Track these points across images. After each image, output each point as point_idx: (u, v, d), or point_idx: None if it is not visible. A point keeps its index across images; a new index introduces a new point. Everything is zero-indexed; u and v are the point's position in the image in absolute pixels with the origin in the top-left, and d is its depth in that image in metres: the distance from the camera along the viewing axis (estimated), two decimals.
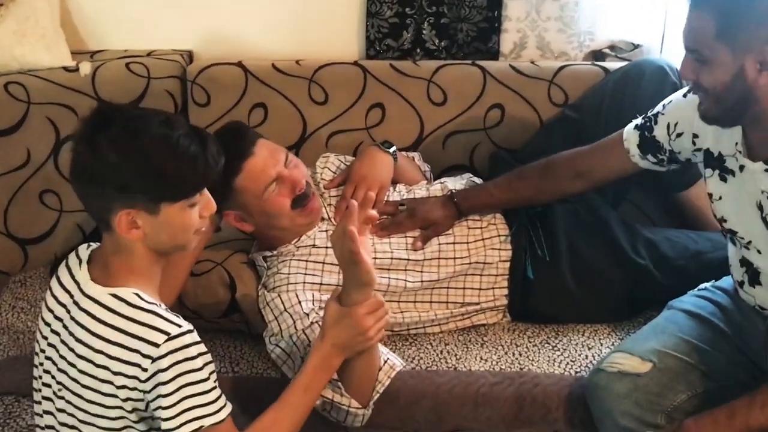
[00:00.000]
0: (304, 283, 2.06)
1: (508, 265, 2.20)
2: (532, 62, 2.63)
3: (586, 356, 2.11)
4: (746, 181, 1.80)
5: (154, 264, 1.63)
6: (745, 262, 1.88)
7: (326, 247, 2.12)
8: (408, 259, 2.15)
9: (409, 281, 2.13)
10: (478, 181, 2.38)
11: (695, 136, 1.92)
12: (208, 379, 1.56)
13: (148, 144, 1.51)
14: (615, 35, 2.72)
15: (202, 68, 2.62)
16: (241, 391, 1.92)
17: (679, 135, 1.95)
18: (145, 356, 1.52)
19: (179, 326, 1.54)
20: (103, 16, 2.77)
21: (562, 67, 2.60)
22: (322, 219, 2.22)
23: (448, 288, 2.17)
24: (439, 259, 2.16)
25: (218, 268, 2.18)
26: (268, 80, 2.61)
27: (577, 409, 1.96)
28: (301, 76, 2.61)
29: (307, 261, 2.11)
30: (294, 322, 1.96)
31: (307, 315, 1.96)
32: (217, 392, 1.58)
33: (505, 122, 2.57)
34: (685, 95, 1.96)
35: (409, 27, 2.68)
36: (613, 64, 2.59)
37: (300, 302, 2.00)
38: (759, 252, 1.82)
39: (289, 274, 2.07)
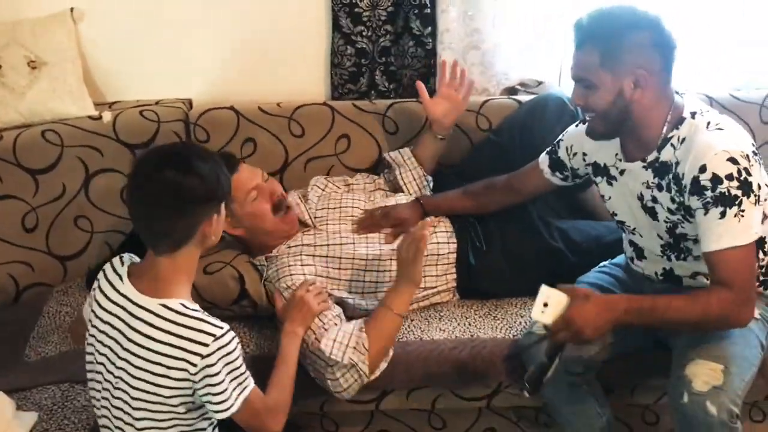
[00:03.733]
0: (304, 274, 2.23)
1: (455, 255, 2.36)
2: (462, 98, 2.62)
3: (520, 323, 2.27)
4: (628, 181, 1.95)
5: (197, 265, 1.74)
6: (632, 244, 2.10)
7: (314, 245, 2.29)
8: (380, 252, 2.31)
9: (379, 272, 2.31)
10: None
11: (585, 154, 2.10)
12: (241, 361, 1.69)
13: (210, 159, 1.65)
14: (524, 74, 2.89)
15: (201, 112, 2.75)
16: (249, 369, 1.86)
17: (575, 154, 2.13)
18: (196, 354, 1.61)
19: (221, 328, 1.63)
20: (118, 72, 2.91)
21: (486, 101, 2.77)
22: (306, 226, 2.39)
23: None
24: None
25: (228, 266, 2.32)
26: (256, 119, 2.73)
27: (515, 364, 2.12)
28: (282, 115, 2.75)
29: (301, 255, 2.26)
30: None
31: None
32: (244, 366, 1.70)
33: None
34: (577, 125, 2.12)
35: (364, 74, 2.84)
36: (523, 97, 2.77)
37: (305, 274, 2.21)
38: (641, 236, 2.03)
39: (289, 265, 2.23)
